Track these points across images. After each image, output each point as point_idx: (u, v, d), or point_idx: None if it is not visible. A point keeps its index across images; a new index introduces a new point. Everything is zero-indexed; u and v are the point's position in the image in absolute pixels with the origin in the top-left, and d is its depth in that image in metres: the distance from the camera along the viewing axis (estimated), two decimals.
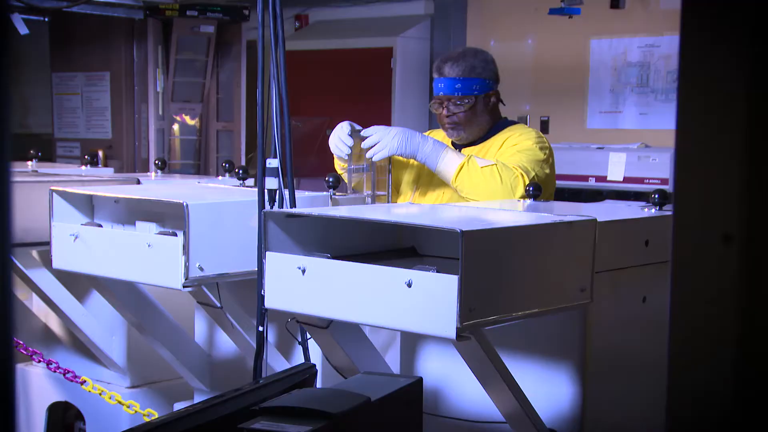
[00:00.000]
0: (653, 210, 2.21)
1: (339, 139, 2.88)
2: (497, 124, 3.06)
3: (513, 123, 3.11)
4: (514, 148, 2.92)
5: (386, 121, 6.32)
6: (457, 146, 3.07)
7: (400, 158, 3.07)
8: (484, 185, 2.74)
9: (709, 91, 0.79)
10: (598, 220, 1.92)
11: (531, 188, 2.39)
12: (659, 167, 5.23)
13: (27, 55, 6.62)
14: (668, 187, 5.02)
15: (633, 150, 5.44)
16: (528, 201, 2.38)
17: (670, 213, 2.18)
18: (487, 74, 3.01)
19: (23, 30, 5.30)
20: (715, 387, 0.79)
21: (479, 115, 3.00)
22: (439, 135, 3.14)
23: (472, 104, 2.97)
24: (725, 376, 0.78)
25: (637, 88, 6.14)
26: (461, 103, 2.97)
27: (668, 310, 0.80)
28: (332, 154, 3.01)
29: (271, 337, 2.47)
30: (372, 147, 2.83)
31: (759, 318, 0.77)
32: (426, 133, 3.11)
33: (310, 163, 5.85)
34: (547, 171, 2.90)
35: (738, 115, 0.77)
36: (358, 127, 2.89)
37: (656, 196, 2.21)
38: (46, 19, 5.84)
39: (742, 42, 0.76)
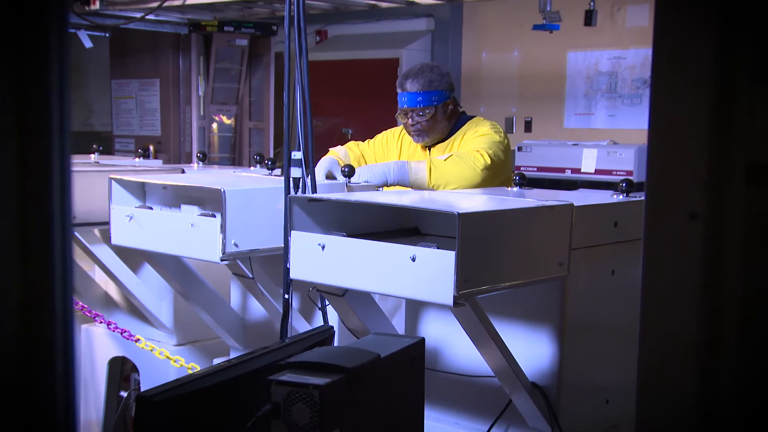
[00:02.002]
0: (621, 196, 2.19)
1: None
2: (458, 122, 3.03)
3: (471, 117, 3.07)
4: (474, 135, 2.92)
5: (391, 120, 6.29)
6: (425, 147, 3.05)
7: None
8: (452, 173, 2.71)
9: (678, 90, 0.77)
10: (575, 204, 1.90)
11: (518, 178, 2.38)
12: (625, 161, 5.19)
13: (91, 65, 6.60)
14: (633, 178, 4.98)
15: (603, 146, 5.39)
16: (515, 188, 2.36)
17: (635, 199, 2.16)
18: (444, 86, 2.97)
19: (88, 44, 5.27)
20: (683, 348, 0.77)
21: (440, 122, 2.97)
22: (395, 133, 3.11)
23: (433, 113, 2.94)
24: (693, 337, 0.76)
25: (606, 93, 6.10)
26: (423, 113, 2.94)
27: (641, 280, 0.79)
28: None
29: (295, 303, 2.46)
30: None
31: (722, 286, 0.76)
32: (380, 135, 3.09)
33: None
34: (501, 154, 2.86)
35: (702, 107, 0.76)
36: (336, 171, 2.74)
37: (624, 184, 2.19)
38: (107, 35, 5.82)
39: (710, 40, 0.74)
